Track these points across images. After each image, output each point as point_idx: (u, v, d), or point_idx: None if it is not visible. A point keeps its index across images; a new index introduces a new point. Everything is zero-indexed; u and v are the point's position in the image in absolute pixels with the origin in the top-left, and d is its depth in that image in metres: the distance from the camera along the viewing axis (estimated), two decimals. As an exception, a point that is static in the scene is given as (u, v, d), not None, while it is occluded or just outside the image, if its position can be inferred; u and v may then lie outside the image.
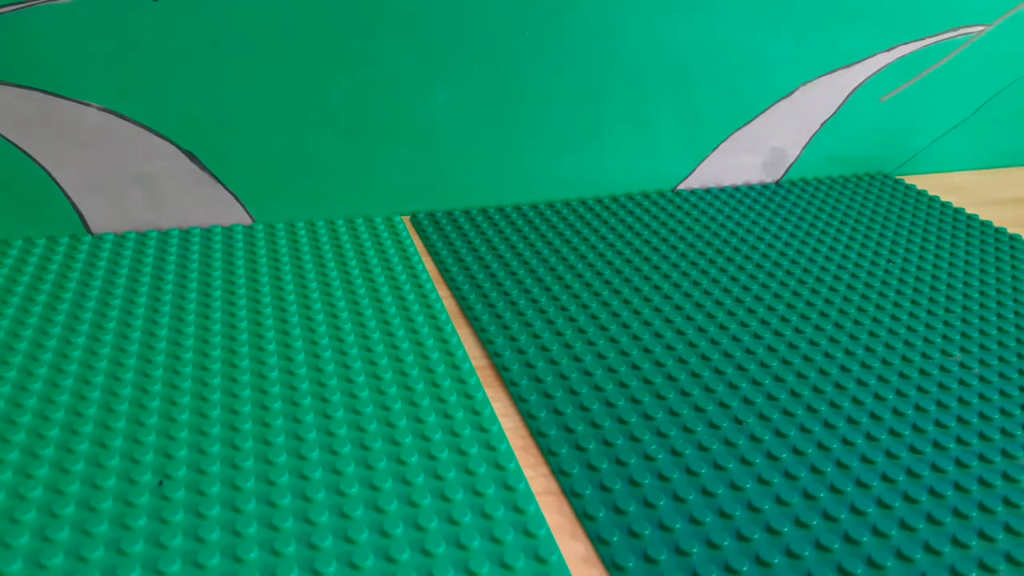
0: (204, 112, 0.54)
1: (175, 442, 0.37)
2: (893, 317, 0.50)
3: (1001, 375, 0.45)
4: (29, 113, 0.51)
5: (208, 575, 0.30)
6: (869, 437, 0.39)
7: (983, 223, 0.63)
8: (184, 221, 0.57)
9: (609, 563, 0.32)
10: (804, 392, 0.42)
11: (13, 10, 0.48)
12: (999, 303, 0.52)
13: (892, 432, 0.40)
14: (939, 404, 0.42)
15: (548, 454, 0.38)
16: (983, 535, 0.34)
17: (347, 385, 0.41)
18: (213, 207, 0.57)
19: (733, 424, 0.40)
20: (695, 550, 0.32)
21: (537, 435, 0.39)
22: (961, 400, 0.42)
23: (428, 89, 0.57)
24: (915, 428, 0.40)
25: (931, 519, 0.35)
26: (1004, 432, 0.40)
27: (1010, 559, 0.33)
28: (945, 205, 0.66)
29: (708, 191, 0.67)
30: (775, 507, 0.35)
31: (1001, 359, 0.46)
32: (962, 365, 0.45)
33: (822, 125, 0.69)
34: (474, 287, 0.51)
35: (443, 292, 0.51)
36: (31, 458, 0.35)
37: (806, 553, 0.33)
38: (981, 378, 0.44)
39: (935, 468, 0.37)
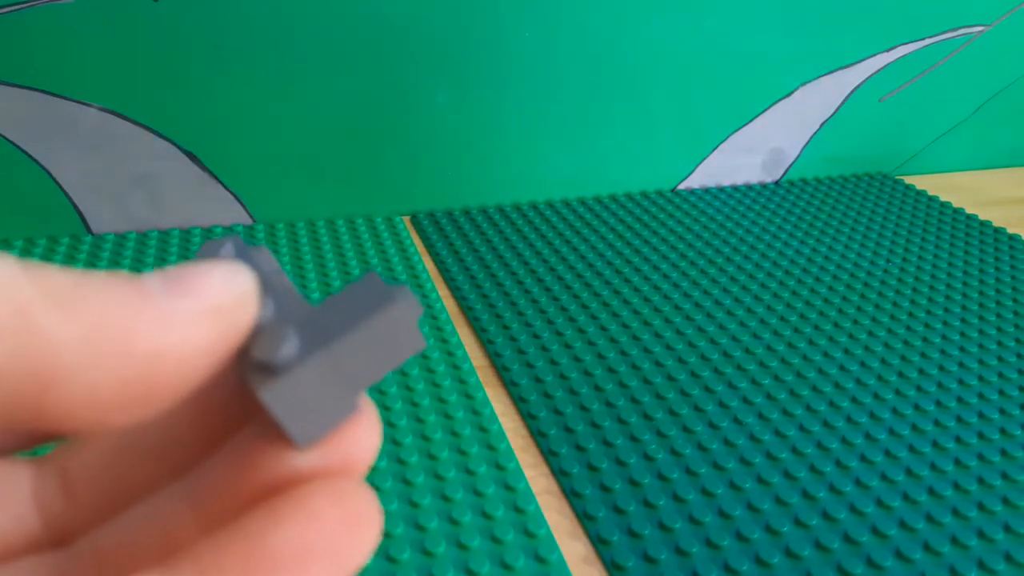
0: (204, 112, 0.54)
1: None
2: (893, 317, 0.50)
3: (1000, 375, 0.45)
4: (29, 113, 0.51)
5: (209, 575, 0.30)
6: (868, 437, 0.39)
7: (983, 223, 0.63)
8: (185, 221, 0.57)
9: (609, 563, 0.32)
10: (803, 392, 0.42)
11: (13, 10, 0.48)
12: (999, 303, 0.52)
13: (891, 432, 0.40)
14: (938, 404, 0.42)
15: (548, 454, 0.38)
16: (983, 535, 0.34)
17: (347, 385, 0.41)
18: (213, 207, 0.57)
19: (733, 424, 0.40)
20: (695, 550, 0.33)
21: (537, 435, 0.39)
22: (960, 400, 0.42)
23: (428, 89, 0.58)
24: (914, 428, 0.40)
25: (930, 519, 0.35)
26: (1003, 432, 0.40)
27: (1009, 559, 0.33)
28: (945, 205, 0.66)
29: (708, 191, 0.67)
30: (775, 507, 0.35)
31: (1000, 359, 0.46)
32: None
33: (822, 125, 0.69)
34: (474, 287, 0.51)
35: (443, 292, 0.51)
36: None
37: (806, 553, 0.33)
38: (980, 378, 0.44)
39: (934, 468, 0.38)
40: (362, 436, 0.13)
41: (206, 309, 0.12)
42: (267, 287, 0.13)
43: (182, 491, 0.13)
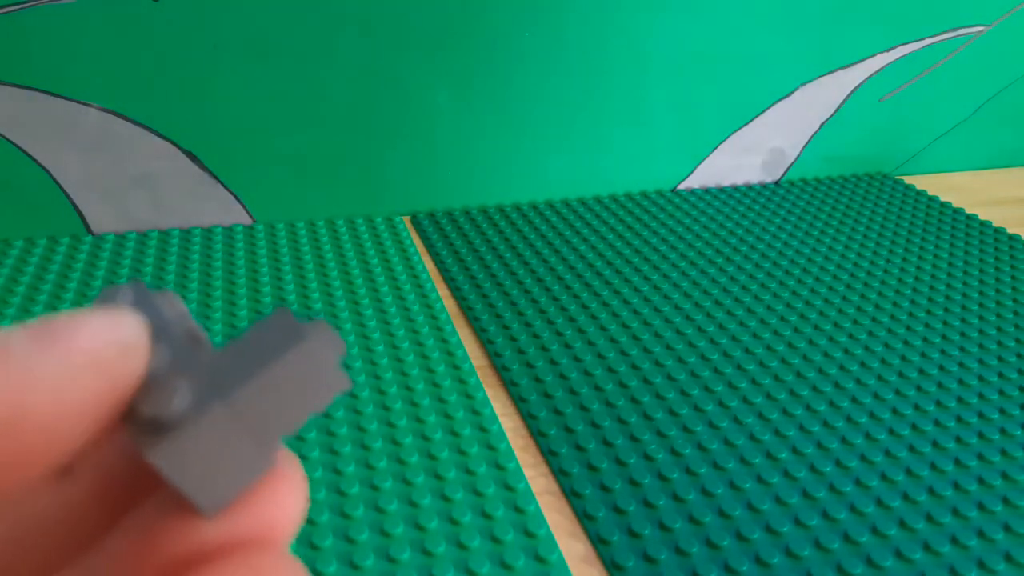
0: (204, 112, 0.54)
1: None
2: (893, 317, 0.50)
3: (1000, 375, 0.45)
4: (29, 113, 0.51)
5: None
6: (868, 437, 0.39)
7: (983, 223, 0.63)
8: (185, 221, 0.57)
9: (609, 563, 0.32)
10: (803, 392, 0.42)
11: (13, 10, 0.48)
12: (999, 303, 0.52)
13: (891, 432, 0.40)
14: (938, 404, 0.42)
15: (548, 454, 0.38)
16: (983, 535, 0.34)
17: (347, 385, 0.41)
18: (213, 207, 0.57)
19: (733, 424, 0.40)
20: (695, 550, 0.33)
21: (537, 435, 0.39)
22: (960, 400, 0.42)
23: (428, 89, 0.58)
24: (914, 428, 0.40)
25: (930, 519, 0.35)
26: (1003, 432, 0.40)
27: (1009, 559, 0.33)
28: (944, 205, 0.66)
29: (708, 191, 0.67)
30: (775, 507, 0.35)
31: (1000, 359, 0.46)
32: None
33: (821, 125, 0.69)
34: (474, 287, 0.51)
35: (443, 292, 0.51)
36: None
37: (805, 553, 0.33)
38: (980, 378, 0.44)
39: (934, 468, 0.38)
40: (280, 496, 0.11)
41: (80, 363, 0.10)
42: (164, 334, 0.11)
43: (82, 573, 0.12)
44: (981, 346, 0.47)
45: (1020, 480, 0.37)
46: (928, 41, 0.68)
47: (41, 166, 0.53)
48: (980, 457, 0.38)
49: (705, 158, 0.67)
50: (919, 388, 0.43)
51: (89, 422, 0.10)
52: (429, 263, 0.55)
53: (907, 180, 0.72)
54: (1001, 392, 0.43)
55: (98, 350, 0.10)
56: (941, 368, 0.45)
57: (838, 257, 0.57)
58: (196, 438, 0.11)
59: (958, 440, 0.39)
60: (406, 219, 0.61)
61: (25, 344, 0.10)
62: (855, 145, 0.71)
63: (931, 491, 0.36)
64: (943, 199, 0.67)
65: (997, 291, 0.53)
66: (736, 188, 0.68)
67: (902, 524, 0.34)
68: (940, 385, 0.43)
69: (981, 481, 0.37)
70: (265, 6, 0.52)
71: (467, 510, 0.34)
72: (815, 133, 0.69)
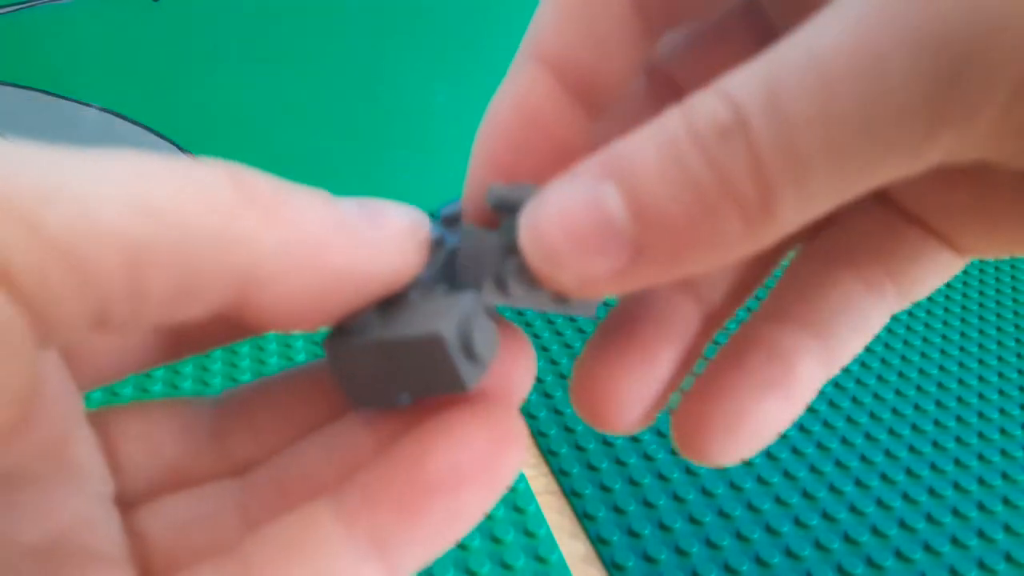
0: (204, 112, 0.54)
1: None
2: (893, 316, 0.50)
3: (1001, 375, 0.45)
4: (29, 113, 0.51)
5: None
6: (868, 437, 0.39)
7: (983, 223, 0.63)
8: (184, 221, 0.57)
9: (609, 563, 0.32)
10: (804, 392, 0.42)
11: (13, 10, 0.48)
12: (999, 303, 0.52)
13: (891, 432, 0.40)
14: (938, 404, 0.42)
15: (548, 454, 0.38)
16: (983, 535, 0.34)
17: (347, 385, 0.41)
18: (213, 207, 0.57)
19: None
20: (695, 549, 0.33)
21: (537, 435, 0.39)
22: (960, 400, 0.42)
23: (428, 89, 0.58)
24: (914, 428, 0.40)
25: (930, 519, 0.35)
26: (1003, 432, 0.40)
27: (1009, 559, 0.33)
28: (945, 205, 0.66)
29: (708, 191, 0.67)
30: (775, 507, 0.35)
31: (1000, 359, 0.46)
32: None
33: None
34: (474, 287, 0.51)
35: (443, 292, 0.51)
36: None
37: (805, 553, 0.33)
38: (980, 378, 0.44)
39: (934, 468, 0.38)
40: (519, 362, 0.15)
41: (392, 239, 0.13)
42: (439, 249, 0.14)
43: (359, 416, 0.14)
44: (981, 346, 0.47)
45: (1020, 480, 0.37)
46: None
47: (41, 166, 0.53)
48: (980, 457, 0.38)
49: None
50: (919, 388, 0.43)
51: (382, 290, 0.13)
52: (429, 263, 0.55)
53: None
54: (1001, 392, 0.43)
55: (405, 236, 0.13)
56: (941, 368, 0.45)
57: (838, 257, 0.57)
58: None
59: (958, 440, 0.39)
60: (406, 219, 0.61)
61: (356, 215, 0.12)
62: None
63: (931, 491, 0.36)
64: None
65: (997, 290, 0.53)
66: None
67: (902, 524, 0.34)
68: (940, 385, 0.43)
69: (981, 481, 0.37)
70: (265, 6, 0.52)
71: (467, 510, 0.34)
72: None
